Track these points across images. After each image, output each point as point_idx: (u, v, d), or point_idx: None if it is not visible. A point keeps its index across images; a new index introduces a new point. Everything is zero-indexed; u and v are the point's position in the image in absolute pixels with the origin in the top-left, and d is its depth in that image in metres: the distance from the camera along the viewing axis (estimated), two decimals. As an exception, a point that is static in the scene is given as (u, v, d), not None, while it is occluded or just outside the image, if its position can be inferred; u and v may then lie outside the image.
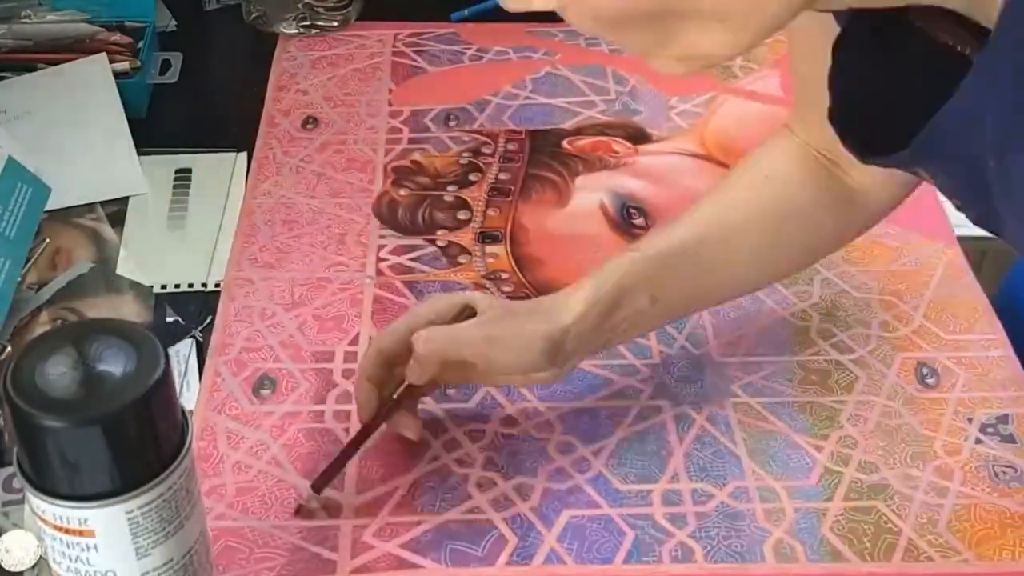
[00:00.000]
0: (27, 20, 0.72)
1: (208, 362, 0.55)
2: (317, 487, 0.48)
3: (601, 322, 0.48)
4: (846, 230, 0.54)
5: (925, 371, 0.55)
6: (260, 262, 0.60)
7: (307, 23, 0.76)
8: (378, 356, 0.48)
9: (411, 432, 0.49)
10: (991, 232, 0.38)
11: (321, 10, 0.76)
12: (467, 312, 0.49)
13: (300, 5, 0.76)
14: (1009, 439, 0.52)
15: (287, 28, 0.76)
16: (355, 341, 0.56)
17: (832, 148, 0.50)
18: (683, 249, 0.50)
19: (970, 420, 0.53)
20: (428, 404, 0.53)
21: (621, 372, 0.55)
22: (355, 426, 0.51)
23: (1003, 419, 0.53)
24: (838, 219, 0.53)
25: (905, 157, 0.35)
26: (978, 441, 0.52)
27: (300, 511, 0.48)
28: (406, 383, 0.48)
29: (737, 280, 0.53)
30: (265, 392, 0.53)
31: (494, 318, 0.48)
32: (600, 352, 0.52)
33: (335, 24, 0.76)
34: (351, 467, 0.50)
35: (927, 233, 0.63)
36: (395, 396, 0.48)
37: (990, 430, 0.53)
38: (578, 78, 0.73)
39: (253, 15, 0.77)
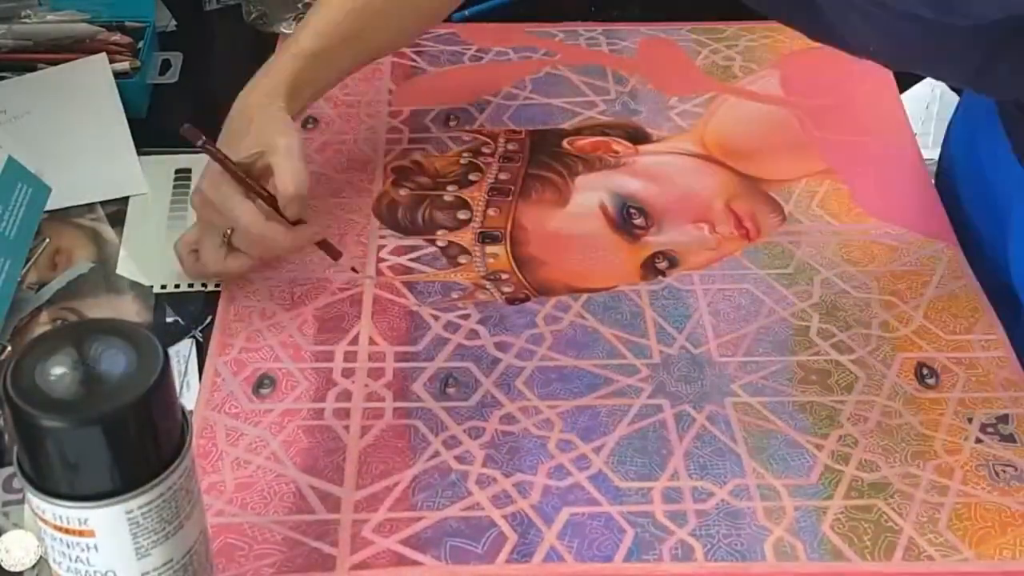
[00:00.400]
0: (27, 20, 0.72)
1: (208, 362, 0.55)
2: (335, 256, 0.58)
3: (296, 108, 0.58)
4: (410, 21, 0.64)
5: (925, 371, 0.55)
6: (260, 262, 0.60)
7: None
8: (274, 228, 0.55)
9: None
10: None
11: None
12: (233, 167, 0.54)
13: (300, 5, 0.76)
14: (1009, 439, 0.52)
15: (287, 28, 0.76)
16: (355, 341, 0.56)
17: None
18: (333, 46, 0.59)
19: (970, 420, 0.53)
20: (428, 403, 0.53)
21: (621, 371, 0.55)
22: (355, 424, 0.52)
23: (1003, 419, 0.53)
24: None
25: None
26: (978, 441, 0.52)
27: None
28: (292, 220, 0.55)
29: (388, 46, 0.66)
30: (265, 391, 0.53)
31: (274, 142, 0.55)
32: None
33: None
34: (351, 463, 0.50)
35: (927, 233, 0.63)
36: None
37: (990, 430, 0.53)
38: (578, 78, 0.73)
39: (253, 15, 0.77)
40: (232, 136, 0.57)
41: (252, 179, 0.55)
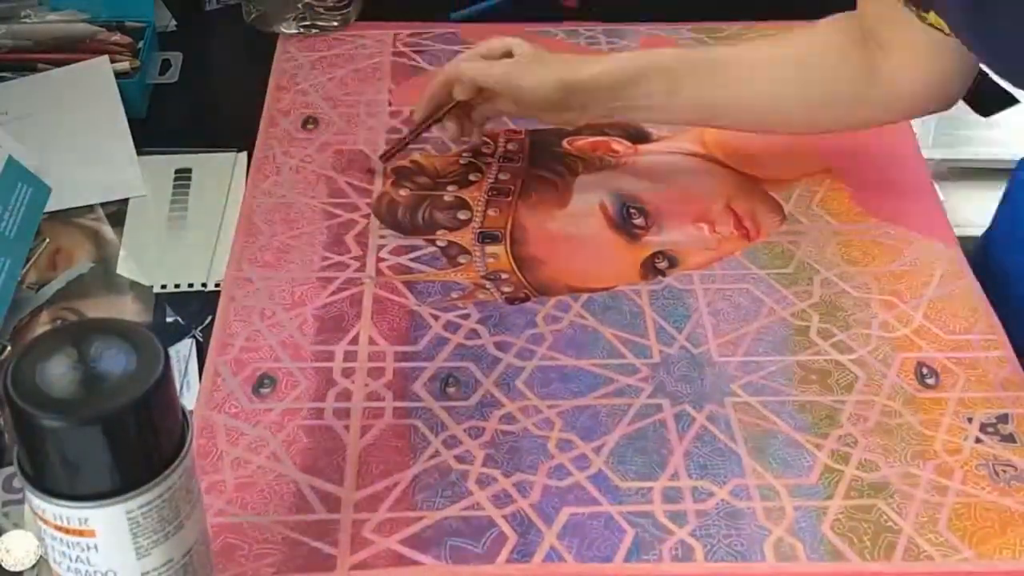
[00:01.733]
0: (27, 20, 0.72)
1: (208, 361, 0.55)
2: (385, 158, 0.65)
3: (615, 90, 0.59)
4: (865, 104, 0.58)
5: (925, 371, 0.55)
6: (260, 262, 0.60)
7: (307, 23, 0.76)
8: (444, 82, 0.62)
9: (449, 134, 0.64)
10: None
11: (321, 10, 0.76)
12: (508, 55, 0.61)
13: (300, 5, 0.76)
14: (1009, 438, 0.52)
15: (287, 28, 0.76)
16: (355, 341, 0.56)
17: (883, 26, 0.55)
18: (711, 60, 0.59)
19: (970, 420, 0.53)
20: (428, 402, 0.53)
21: (621, 371, 0.55)
22: (355, 424, 0.52)
23: (1003, 418, 0.53)
24: (859, 90, 0.57)
25: None
26: (978, 440, 0.52)
27: (370, 171, 0.63)
28: (454, 100, 0.62)
29: (750, 106, 0.60)
30: (265, 391, 0.53)
31: (524, 61, 0.60)
32: (611, 116, 0.63)
33: (335, 24, 0.76)
34: (351, 462, 0.50)
35: (927, 233, 0.63)
36: (445, 109, 0.64)
37: (990, 429, 0.53)
38: None
39: (253, 15, 0.77)
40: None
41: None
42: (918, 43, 0.55)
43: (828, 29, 0.59)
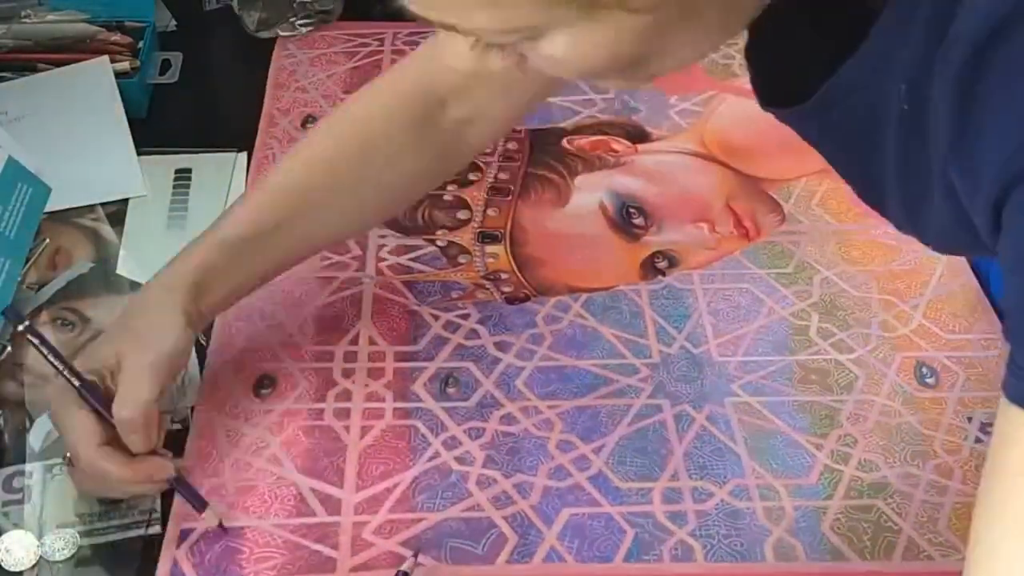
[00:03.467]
0: (27, 20, 0.72)
1: (208, 361, 0.54)
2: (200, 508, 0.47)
3: (199, 309, 0.48)
4: (435, 179, 0.55)
5: (924, 370, 0.56)
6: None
7: (309, 21, 0.76)
8: (105, 452, 0.46)
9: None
10: (870, 205, 0.39)
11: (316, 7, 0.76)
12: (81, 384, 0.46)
13: (295, 4, 0.76)
14: (1008, 438, 0.52)
15: (285, 31, 0.76)
16: (355, 341, 0.56)
17: (444, 82, 0.49)
18: (269, 232, 0.49)
19: (969, 419, 0.53)
20: (428, 403, 0.53)
21: (620, 371, 0.55)
22: (355, 424, 0.52)
23: (1002, 418, 0.53)
24: (430, 173, 0.53)
25: (807, 108, 0.36)
26: (977, 440, 0.52)
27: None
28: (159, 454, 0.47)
29: (328, 237, 0.53)
30: (265, 391, 0.53)
31: (128, 352, 0.46)
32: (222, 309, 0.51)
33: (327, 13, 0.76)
34: (351, 464, 0.50)
35: (927, 232, 0.63)
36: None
37: (989, 429, 0.53)
38: None
39: (250, 26, 0.76)
40: (113, 331, 0.48)
41: (100, 392, 0.46)
42: (498, 111, 0.50)
43: (367, 113, 0.51)
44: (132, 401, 0.45)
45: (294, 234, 0.50)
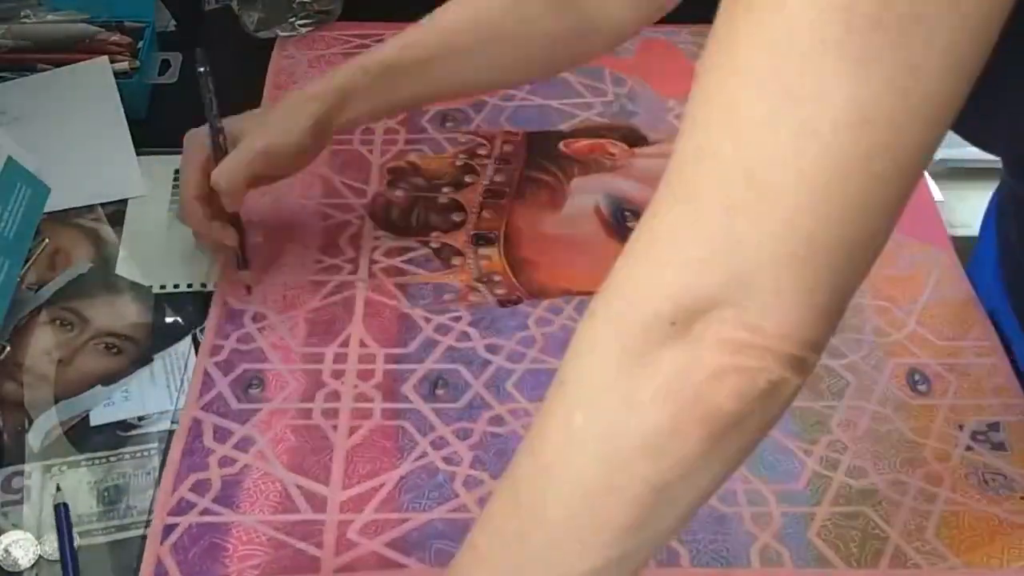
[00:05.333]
0: (27, 20, 0.72)
1: (198, 363, 0.55)
2: (243, 266, 0.58)
3: (345, 109, 0.55)
4: (577, 54, 0.59)
5: (917, 377, 0.55)
6: (252, 264, 0.60)
7: (309, 20, 0.76)
8: (195, 204, 0.55)
9: (255, 238, 0.59)
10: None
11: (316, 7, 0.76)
12: (219, 144, 0.55)
13: (294, 4, 0.76)
14: (999, 447, 0.52)
15: (284, 31, 0.76)
16: (345, 343, 0.56)
17: None
18: (415, 64, 0.55)
19: (961, 427, 0.53)
20: (416, 403, 0.53)
21: (611, 375, 0.55)
22: (343, 424, 0.52)
23: (994, 426, 0.53)
24: (570, 43, 0.57)
25: None
26: (968, 448, 0.52)
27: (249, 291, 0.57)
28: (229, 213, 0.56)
29: (465, 85, 0.59)
30: (253, 391, 0.54)
31: (255, 132, 0.55)
32: (355, 127, 0.62)
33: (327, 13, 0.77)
34: (337, 462, 0.50)
35: (922, 237, 0.63)
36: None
37: (980, 437, 0.52)
38: (576, 79, 0.73)
39: (250, 26, 0.77)
40: (252, 114, 0.57)
41: (221, 149, 0.55)
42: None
43: None
44: (229, 172, 0.53)
45: (435, 70, 0.55)
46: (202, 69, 0.56)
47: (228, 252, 0.58)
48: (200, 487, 0.49)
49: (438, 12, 0.56)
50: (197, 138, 0.56)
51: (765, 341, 0.30)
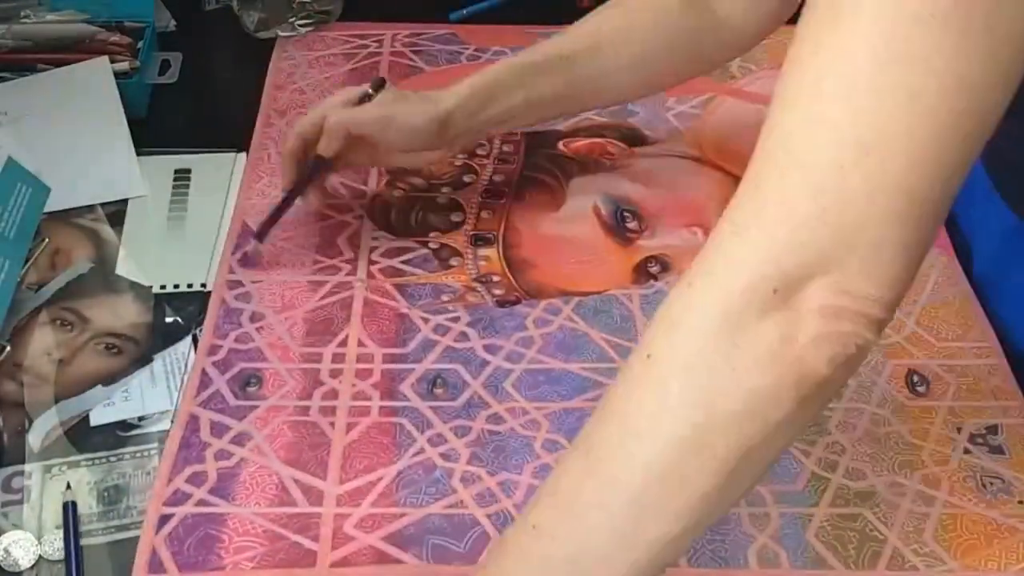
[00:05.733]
0: (27, 20, 0.72)
1: (196, 362, 0.55)
2: (260, 236, 0.59)
3: (478, 111, 0.57)
4: (713, 53, 0.61)
5: (916, 379, 0.55)
6: (251, 264, 0.60)
7: (309, 20, 0.77)
8: (299, 138, 0.58)
9: (316, 200, 0.60)
10: None
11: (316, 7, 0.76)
12: (367, 98, 0.58)
13: (294, 4, 0.76)
14: (998, 450, 0.52)
15: (284, 31, 0.77)
16: (344, 343, 0.56)
17: None
18: (558, 59, 0.58)
19: (959, 430, 0.53)
20: (414, 402, 0.53)
21: (609, 375, 0.55)
22: (341, 421, 0.52)
23: (992, 429, 0.53)
24: (704, 41, 0.59)
25: None
26: (966, 451, 0.52)
27: (244, 257, 0.59)
28: (316, 153, 0.58)
29: (609, 90, 0.60)
30: (251, 389, 0.54)
31: (389, 101, 0.57)
32: (482, 138, 0.64)
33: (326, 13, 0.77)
34: (335, 457, 0.50)
35: (922, 239, 0.63)
36: (309, 174, 0.59)
37: (979, 440, 0.52)
38: None
39: (250, 26, 0.77)
40: (399, 91, 0.59)
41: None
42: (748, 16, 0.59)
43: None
44: (342, 116, 0.57)
45: (579, 67, 0.57)
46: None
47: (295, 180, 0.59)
48: (196, 479, 0.49)
49: (585, 17, 0.59)
50: (355, 89, 0.59)
51: (859, 306, 0.32)
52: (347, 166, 0.61)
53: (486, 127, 0.59)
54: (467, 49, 0.76)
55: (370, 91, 0.58)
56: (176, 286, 0.59)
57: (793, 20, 0.37)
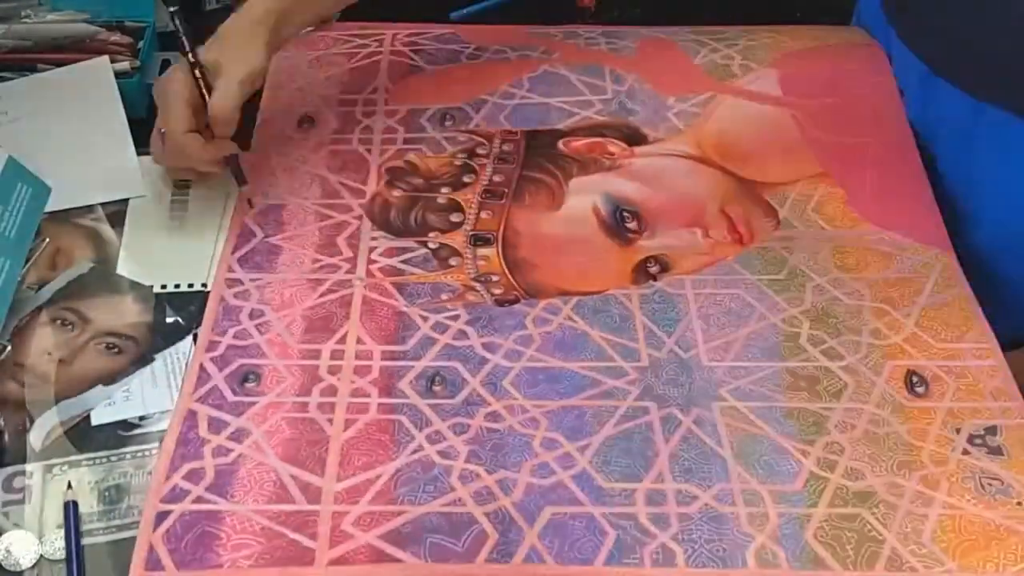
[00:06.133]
0: (27, 20, 0.72)
1: (193, 359, 0.55)
2: (241, 182, 0.63)
3: (275, 48, 0.63)
4: None
5: (915, 379, 0.55)
6: (250, 263, 0.60)
7: None
8: (189, 137, 0.60)
9: (240, 150, 0.63)
10: None
11: None
12: (199, 70, 0.61)
13: None
14: (996, 451, 0.52)
15: None
16: (342, 340, 0.56)
17: None
18: None
19: (958, 430, 0.52)
20: (413, 399, 0.53)
21: (608, 374, 0.55)
22: (339, 417, 0.52)
23: (991, 430, 0.53)
24: None
25: None
26: (965, 452, 0.51)
27: (248, 205, 0.63)
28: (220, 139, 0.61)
29: None
30: (250, 385, 0.54)
31: (226, 65, 0.61)
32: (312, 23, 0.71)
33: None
34: (333, 454, 0.50)
35: (922, 239, 0.63)
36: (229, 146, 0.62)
37: (977, 441, 0.52)
38: (576, 77, 0.73)
39: None
40: (213, 45, 0.62)
41: (203, 83, 0.60)
42: None
43: None
44: (227, 98, 0.59)
45: None
46: (172, 9, 0.62)
47: (220, 170, 0.62)
48: (194, 475, 0.49)
49: None
50: (174, 81, 0.60)
51: None
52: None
53: (291, 39, 0.65)
54: (467, 48, 0.76)
55: (195, 72, 0.60)
56: (176, 286, 0.59)
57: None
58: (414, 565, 0.46)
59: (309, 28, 0.71)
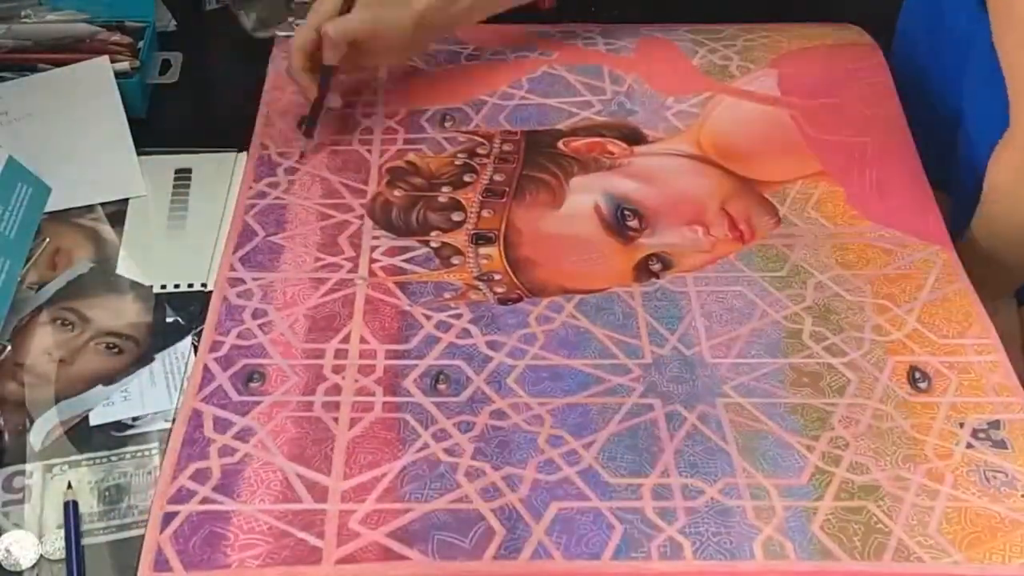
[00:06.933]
0: (27, 20, 0.72)
1: (197, 359, 0.55)
2: (309, 133, 0.67)
3: (447, 6, 0.66)
4: None
5: (917, 375, 0.55)
6: (252, 263, 0.60)
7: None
8: (301, 52, 0.65)
9: (336, 101, 0.67)
10: None
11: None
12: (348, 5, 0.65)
13: (292, 5, 0.76)
14: (1000, 444, 0.52)
15: (282, 31, 0.77)
16: (346, 340, 0.56)
17: None
18: None
19: (961, 425, 0.53)
20: (417, 397, 0.53)
21: (613, 371, 0.55)
22: (344, 416, 0.52)
23: (994, 424, 0.53)
24: None
25: None
26: (969, 446, 0.52)
27: (302, 156, 0.66)
28: (323, 64, 0.65)
29: None
30: (254, 384, 0.54)
31: (373, 3, 0.64)
32: (452, 32, 0.73)
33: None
34: (339, 452, 0.50)
35: (922, 235, 0.63)
36: (322, 71, 0.66)
37: (981, 435, 0.52)
38: (575, 78, 0.73)
39: (249, 25, 0.77)
40: None
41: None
42: None
43: None
44: (339, 25, 0.63)
45: None
46: None
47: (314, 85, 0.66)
48: (200, 476, 0.49)
49: None
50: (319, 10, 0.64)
51: None
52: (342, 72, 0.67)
53: (452, 23, 0.67)
54: (467, 48, 0.76)
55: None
56: (177, 286, 0.59)
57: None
58: (422, 563, 0.46)
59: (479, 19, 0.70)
